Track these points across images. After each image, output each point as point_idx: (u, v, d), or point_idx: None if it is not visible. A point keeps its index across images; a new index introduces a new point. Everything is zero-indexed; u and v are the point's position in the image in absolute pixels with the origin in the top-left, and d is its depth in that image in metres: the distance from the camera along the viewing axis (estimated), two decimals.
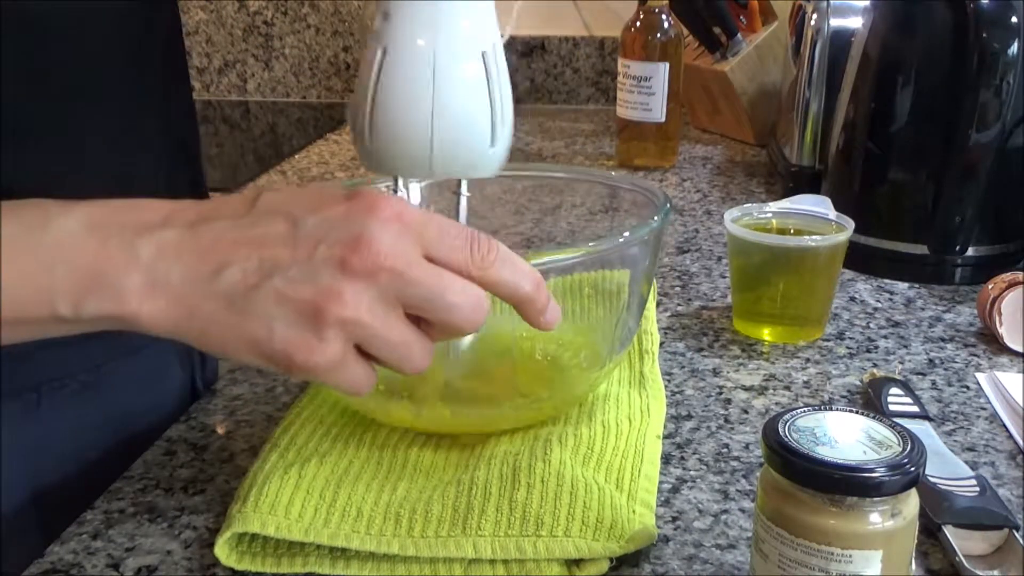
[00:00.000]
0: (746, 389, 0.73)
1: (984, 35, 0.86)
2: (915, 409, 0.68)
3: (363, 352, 0.49)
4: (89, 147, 0.63)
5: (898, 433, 0.45)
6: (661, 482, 0.61)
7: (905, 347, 0.81)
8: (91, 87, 0.62)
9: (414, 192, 0.61)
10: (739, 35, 1.41)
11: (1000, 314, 0.79)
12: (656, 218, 0.64)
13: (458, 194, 0.59)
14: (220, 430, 0.68)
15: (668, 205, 0.65)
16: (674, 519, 0.58)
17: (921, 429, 0.65)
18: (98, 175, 0.63)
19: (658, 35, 1.30)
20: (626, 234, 0.62)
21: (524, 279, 0.50)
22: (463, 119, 0.55)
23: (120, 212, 0.48)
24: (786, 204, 0.84)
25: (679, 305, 0.89)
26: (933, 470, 0.59)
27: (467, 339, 0.62)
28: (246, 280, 0.46)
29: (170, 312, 0.47)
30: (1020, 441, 0.66)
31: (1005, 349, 0.79)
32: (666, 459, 0.64)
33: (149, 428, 0.69)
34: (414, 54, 0.53)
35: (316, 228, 0.47)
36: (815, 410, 0.47)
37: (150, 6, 0.67)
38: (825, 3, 1.15)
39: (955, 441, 0.66)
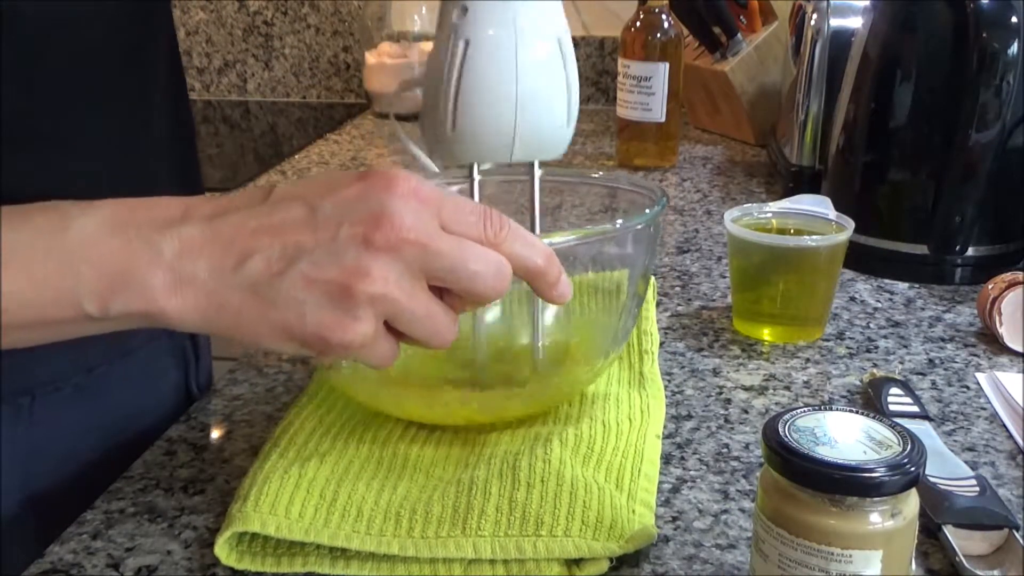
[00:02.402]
0: (746, 389, 0.73)
1: (984, 35, 0.86)
2: (915, 409, 0.68)
3: (388, 327, 0.49)
4: (86, 147, 0.63)
5: (898, 433, 0.45)
6: (661, 482, 0.61)
7: (905, 347, 0.81)
8: (88, 87, 0.62)
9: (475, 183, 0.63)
10: (739, 35, 1.41)
11: (1000, 314, 0.79)
12: (655, 207, 0.64)
13: (531, 176, 0.62)
14: (219, 432, 0.68)
15: (665, 198, 0.66)
16: (674, 519, 0.58)
17: (921, 429, 0.65)
18: (96, 175, 0.63)
19: (658, 35, 1.30)
20: (620, 220, 0.63)
21: (536, 253, 0.51)
22: (543, 102, 0.57)
23: (139, 210, 0.48)
24: (786, 204, 0.85)
25: (679, 305, 0.89)
26: (933, 470, 0.59)
27: (491, 314, 0.64)
28: (271, 268, 0.47)
29: (198, 307, 0.47)
30: (1020, 441, 0.66)
31: (1005, 349, 0.79)
32: (666, 459, 0.64)
33: (145, 430, 0.69)
34: (496, 43, 0.56)
35: (335, 209, 0.47)
36: (815, 410, 0.47)
37: (145, 6, 0.67)
38: (825, 3, 1.15)
39: (955, 441, 0.66)
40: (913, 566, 0.46)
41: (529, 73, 0.56)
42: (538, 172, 0.62)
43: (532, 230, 0.62)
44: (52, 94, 0.60)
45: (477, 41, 0.56)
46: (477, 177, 0.61)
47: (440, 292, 0.50)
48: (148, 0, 0.67)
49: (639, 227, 0.63)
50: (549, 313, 0.67)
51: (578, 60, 0.61)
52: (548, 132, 0.59)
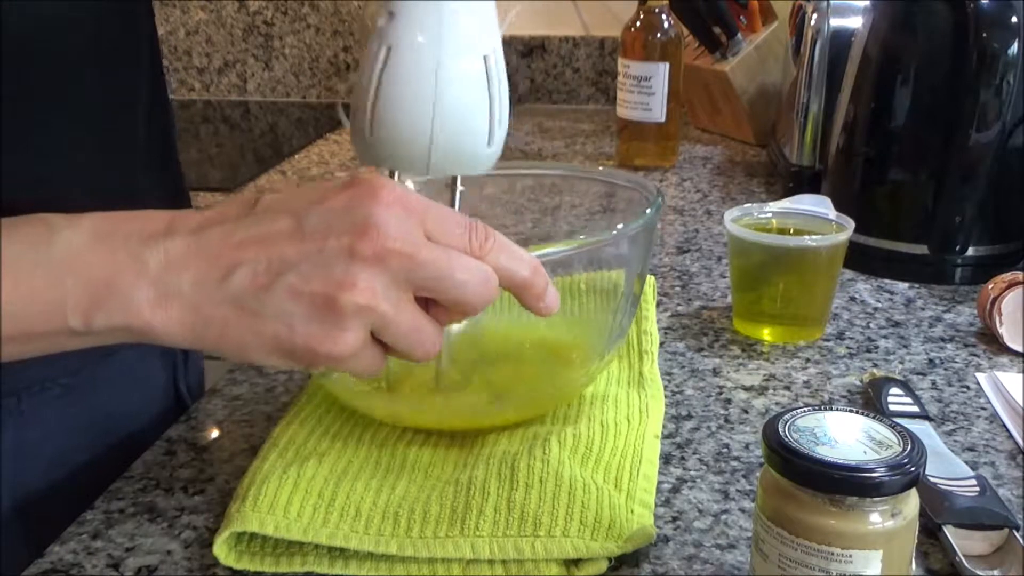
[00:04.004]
0: (746, 389, 0.73)
1: (984, 35, 0.86)
2: (915, 409, 0.67)
3: (375, 337, 0.49)
4: (67, 150, 0.62)
5: (898, 433, 0.45)
6: (661, 482, 0.61)
7: (905, 347, 0.80)
8: (70, 90, 0.62)
9: (410, 187, 0.61)
10: (739, 35, 1.41)
11: (1000, 314, 0.79)
12: (648, 211, 0.64)
13: (453, 189, 0.59)
14: (218, 432, 0.68)
15: (660, 198, 0.65)
16: (674, 519, 0.58)
17: (921, 429, 0.65)
18: (78, 178, 0.63)
19: (658, 35, 1.30)
20: (620, 226, 0.62)
21: (521, 265, 0.51)
22: (463, 118, 0.55)
23: (125, 223, 0.48)
24: (786, 204, 0.84)
25: (679, 305, 0.89)
26: (933, 470, 0.59)
27: (456, 327, 0.63)
28: (257, 281, 0.46)
29: (183, 321, 0.47)
30: (1020, 441, 0.66)
31: (1005, 349, 0.79)
32: (666, 459, 0.64)
33: (134, 431, 0.68)
34: (418, 52, 0.54)
35: (321, 220, 0.47)
36: (815, 410, 0.47)
37: (128, 8, 0.67)
38: (825, 3, 1.15)
39: (955, 441, 0.66)
40: (913, 566, 0.46)
41: (449, 87, 0.54)
42: (460, 188, 0.60)
43: None
44: (34, 96, 0.60)
45: (399, 48, 0.54)
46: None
47: (426, 305, 0.49)
48: (129, 2, 0.67)
49: (633, 232, 0.63)
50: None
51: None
52: (467, 149, 0.57)
